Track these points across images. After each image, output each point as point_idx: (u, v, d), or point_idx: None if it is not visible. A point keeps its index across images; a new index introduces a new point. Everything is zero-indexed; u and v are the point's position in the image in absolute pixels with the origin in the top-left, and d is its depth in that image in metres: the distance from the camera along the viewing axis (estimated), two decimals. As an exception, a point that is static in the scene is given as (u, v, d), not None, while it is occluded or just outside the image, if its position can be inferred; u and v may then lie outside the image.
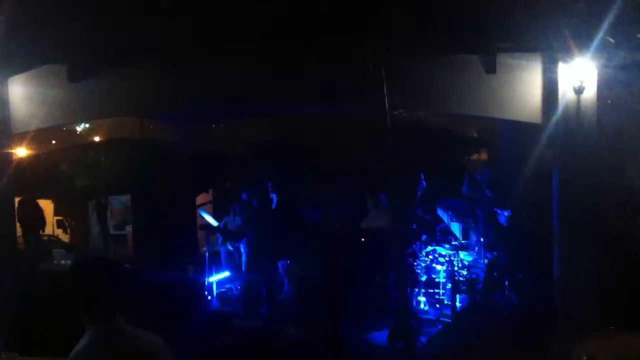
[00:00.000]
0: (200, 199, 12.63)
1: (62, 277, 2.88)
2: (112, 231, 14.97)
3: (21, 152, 10.07)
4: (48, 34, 6.49)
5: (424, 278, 9.46)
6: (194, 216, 11.60)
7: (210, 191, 13.33)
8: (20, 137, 8.37)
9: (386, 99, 6.25)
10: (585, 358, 4.52)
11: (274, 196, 9.71)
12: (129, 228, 13.59)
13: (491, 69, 7.24)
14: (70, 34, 6.61)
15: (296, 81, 7.30)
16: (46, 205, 15.22)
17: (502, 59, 7.22)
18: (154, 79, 7.64)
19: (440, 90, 7.43)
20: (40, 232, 14.30)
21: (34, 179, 12.59)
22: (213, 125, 12.81)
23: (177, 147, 11.16)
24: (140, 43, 6.89)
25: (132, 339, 2.79)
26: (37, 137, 9.14)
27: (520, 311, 7.67)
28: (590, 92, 7.00)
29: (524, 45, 7.07)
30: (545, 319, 7.13)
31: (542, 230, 7.62)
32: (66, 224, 19.62)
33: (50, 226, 18.77)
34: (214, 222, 11.18)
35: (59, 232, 19.91)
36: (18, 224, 11.85)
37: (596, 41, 6.52)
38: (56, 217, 19.46)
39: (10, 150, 8.10)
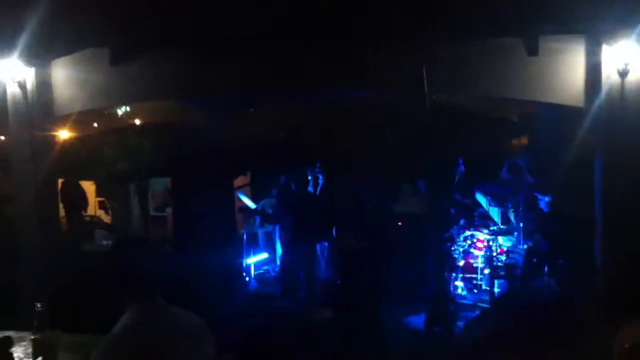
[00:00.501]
0: (238, 181, 12.71)
1: (103, 257, 2.93)
2: (152, 212, 15.15)
3: (64, 134, 10.23)
4: (90, 17, 6.57)
5: (461, 263, 9.41)
6: (232, 198, 11.69)
7: (249, 174, 13.41)
8: (62, 120, 8.51)
9: (425, 82, 6.19)
10: (627, 346, 4.45)
11: (310, 180, 9.73)
12: (169, 210, 13.77)
13: (533, 51, 7.11)
14: (112, 17, 6.68)
15: (334, 65, 7.26)
16: (88, 187, 15.47)
17: (545, 42, 7.08)
18: (192, 62, 7.68)
19: (481, 73, 7.31)
20: (83, 212, 14.51)
21: (76, 160, 12.76)
22: (251, 109, 12.81)
23: (215, 131, 11.22)
24: (179, 26, 6.93)
25: (171, 318, 2.83)
26: (79, 119, 9.25)
27: (560, 298, 7.54)
28: (634, 76, 6.84)
29: (567, 28, 6.93)
30: (585, 306, 7.02)
31: (584, 217, 7.50)
32: (107, 205, 19.94)
33: (93, 207, 19.11)
34: (252, 205, 11.26)
35: (100, 213, 20.26)
36: (61, 205, 12.11)
37: (641, 23, 6.38)
38: (98, 199, 19.80)
39: (53, 133, 8.24)
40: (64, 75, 7.96)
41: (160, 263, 2.91)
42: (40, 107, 7.85)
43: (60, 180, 12.08)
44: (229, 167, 11.14)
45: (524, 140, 12.63)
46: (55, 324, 3.65)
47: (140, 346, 2.64)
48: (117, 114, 12.89)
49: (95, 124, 15.82)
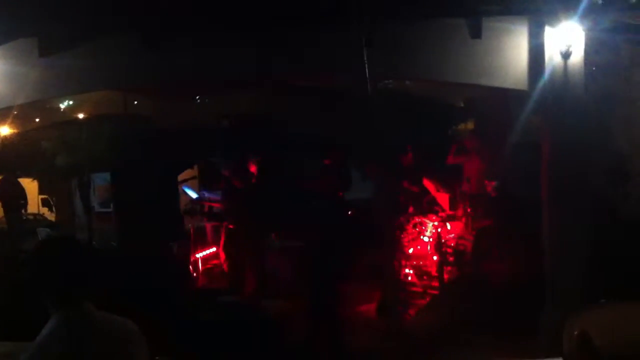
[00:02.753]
0: (184, 174, 12.48)
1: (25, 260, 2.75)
2: (97, 209, 14.80)
3: (3, 130, 9.89)
4: (16, 4, 6.27)
5: (411, 250, 9.38)
6: (177, 192, 11.46)
7: (196, 167, 13.18)
8: (-4, 115, 8.16)
9: (366, 66, 6.07)
10: (576, 332, 4.43)
11: (254, 170, 9.54)
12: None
13: (477, 33, 7.05)
14: (40, 4, 6.39)
15: (273, 49, 7.07)
16: (29, 184, 15.03)
17: (488, 23, 7.02)
18: (129, 50, 7.39)
19: (423, 56, 7.22)
20: (23, 211, 14.09)
21: (14, 157, 12.36)
22: (196, 98, 12.59)
23: (158, 121, 10.98)
24: (110, 11, 6.65)
25: (100, 324, 2.66)
26: (20, 114, 8.93)
27: (509, 283, 7.59)
28: (577, 57, 6.86)
29: (511, 9, 6.89)
30: (534, 291, 7.05)
31: (531, 200, 7.53)
32: (51, 202, 19.47)
33: (36, 205, 18.63)
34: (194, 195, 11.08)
35: (44, 210, 19.78)
36: (-1, 203, 11.72)
37: (583, 3, 6.38)
38: (41, 196, 19.31)
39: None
40: (-7, 68, 7.59)
41: (88, 264, 2.72)
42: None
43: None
44: (173, 159, 10.88)
45: (470, 124, 12.69)
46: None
47: (63, 354, 2.47)
48: (59, 108, 12.55)
49: (37, 119, 15.37)
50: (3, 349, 3.55)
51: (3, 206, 12.23)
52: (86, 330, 2.57)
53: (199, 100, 13.12)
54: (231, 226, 9.66)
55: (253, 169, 9.53)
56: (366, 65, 6.10)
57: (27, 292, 2.68)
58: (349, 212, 9.20)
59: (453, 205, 9.84)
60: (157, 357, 2.81)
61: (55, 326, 2.54)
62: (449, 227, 9.48)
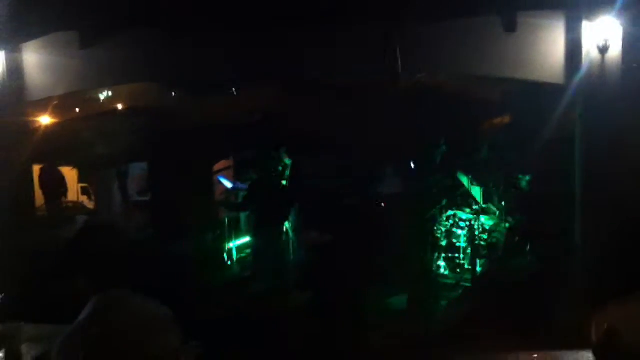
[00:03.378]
0: (219, 165, 12.61)
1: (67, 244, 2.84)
2: (135, 198, 15.03)
3: (41, 119, 10.06)
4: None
5: (444, 243, 9.38)
6: (212, 182, 11.60)
7: (232, 158, 13.30)
8: (36, 105, 8.34)
9: (399, 61, 6.08)
10: (605, 326, 4.40)
11: (289, 162, 9.61)
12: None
13: (511, 27, 7.00)
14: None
15: (308, 48, 7.13)
16: (69, 173, 15.31)
17: (523, 17, 6.97)
18: (166, 44, 7.51)
19: (458, 51, 7.18)
20: (63, 198, 14.36)
21: (55, 146, 12.60)
22: (232, 91, 12.67)
23: (194, 113, 11.09)
24: (149, 6, 6.77)
25: (135, 308, 2.75)
26: (61, 105, 9.10)
27: (541, 277, 7.56)
28: (614, 52, 6.77)
29: (546, 3, 6.83)
30: (566, 285, 7.02)
31: (565, 195, 7.47)
32: (90, 191, 19.79)
33: (75, 193, 18.96)
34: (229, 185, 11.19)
35: (83, 198, 20.11)
36: (40, 191, 11.97)
37: (621, -3, 6.30)
38: (80, 184, 19.64)
39: (25, 118, 8.08)
40: (34, 60, 7.78)
41: (125, 249, 2.81)
42: (11, 91, 7.67)
43: (38, 167, 11.95)
44: (208, 150, 11.02)
45: (507, 119, 12.57)
46: (23, 314, 3.57)
47: (101, 337, 2.55)
48: (99, 99, 12.73)
49: (77, 109, 15.64)
50: (40, 331, 3.66)
51: (44, 194, 12.47)
52: (122, 314, 2.65)
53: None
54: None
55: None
56: (399, 61, 6.10)
57: (67, 276, 2.76)
58: (382, 204, 9.23)
59: (487, 198, 9.81)
60: (190, 342, 2.88)
61: (92, 310, 2.62)
62: (482, 220, 9.45)
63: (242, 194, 10.90)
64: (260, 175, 9.60)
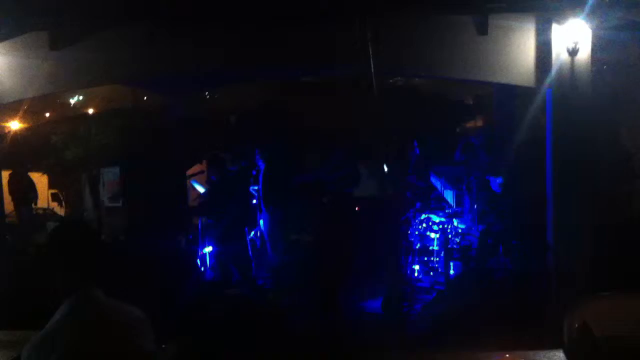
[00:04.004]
0: (193, 169, 12.51)
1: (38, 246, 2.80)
2: (107, 204, 14.86)
3: (10, 124, 9.96)
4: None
5: (417, 246, 9.41)
6: (185, 187, 11.50)
7: (205, 162, 13.22)
8: (7, 109, 8.22)
9: (372, 62, 6.09)
10: (578, 324, 4.46)
11: (261, 165, 9.59)
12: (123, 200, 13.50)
13: (483, 30, 7.06)
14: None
15: (282, 44, 7.12)
16: (39, 179, 15.12)
17: (495, 20, 7.04)
18: (139, 44, 7.44)
19: (430, 53, 7.24)
20: (33, 205, 14.17)
21: (25, 151, 12.45)
22: (206, 93, 12.63)
23: (168, 117, 11.02)
24: (122, 6, 6.71)
25: (108, 311, 2.70)
26: (30, 109, 8.99)
27: (515, 277, 7.62)
28: (584, 54, 6.87)
29: (517, 6, 6.90)
30: (539, 285, 7.08)
31: (536, 196, 7.54)
32: (61, 197, 19.54)
33: (46, 200, 18.70)
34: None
35: (54, 205, 19.85)
36: (9, 197, 11.79)
37: (590, 1, 6.38)
38: (51, 191, 19.38)
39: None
40: (4, 62, 7.64)
41: (96, 251, 2.76)
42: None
43: (7, 172, 11.78)
44: (181, 154, 10.93)
45: (478, 121, 12.70)
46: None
47: (73, 341, 2.51)
48: (69, 103, 12.62)
49: (47, 114, 15.45)
50: (12, 337, 3.60)
51: (13, 200, 12.28)
52: (94, 318, 2.61)
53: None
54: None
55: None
56: (372, 61, 6.12)
57: (40, 279, 2.72)
58: (356, 208, 9.23)
59: (459, 201, 9.87)
60: (164, 345, 2.85)
61: (64, 313, 2.58)
62: (455, 223, 9.51)
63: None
64: (223, 179, 9.54)
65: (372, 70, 6.25)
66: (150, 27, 7.25)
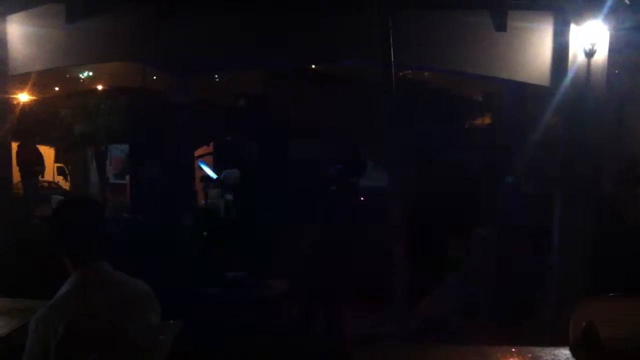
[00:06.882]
0: (200, 150, 12.54)
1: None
2: (112, 180, 14.90)
3: (21, 95, 9.94)
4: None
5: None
6: (192, 167, 11.52)
7: (212, 143, 13.23)
8: (19, 80, 8.20)
9: (392, 55, 6.07)
10: (583, 324, 4.47)
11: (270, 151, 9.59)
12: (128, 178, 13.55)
13: (501, 27, 7.02)
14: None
15: (301, 34, 7.10)
16: (46, 152, 15.13)
17: (513, 18, 6.99)
18: (153, 22, 7.40)
19: (448, 48, 7.19)
20: (40, 177, 14.19)
21: (35, 124, 12.44)
22: (215, 76, 12.62)
23: (177, 97, 11.00)
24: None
25: (115, 284, 2.70)
26: (41, 82, 8.97)
27: (521, 276, 7.61)
28: (601, 56, 6.82)
29: (536, 4, 6.86)
30: (546, 284, 7.07)
31: (545, 196, 7.52)
32: (66, 171, 19.60)
33: (51, 173, 18.77)
34: (212, 175, 11.10)
35: (59, 179, 19.93)
36: (17, 168, 11.81)
37: (609, 2, 6.34)
38: (57, 164, 19.45)
39: (8, 93, 7.93)
40: (19, 32, 7.61)
41: (105, 225, 2.77)
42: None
43: (16, 144, 11.79)
44: (191, 135, 10.94)
45: (487, 119, 12.67)
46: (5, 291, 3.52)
47: (81, 313, 2.51)
48: (79, 78, 12.60)
49: (57, 88, 15.45)
50: (20, 304, 3.62)
51: (20, 171, 12.29)
52: (102, 289, 2.61)
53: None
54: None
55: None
56: (392, 54, 6.09)
57: (48, 250, 2.72)
58: (362, 198, 9.21)
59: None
60: (169, 321, 2.85)
61: (72, 285, 2.58)
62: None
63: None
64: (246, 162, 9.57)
65: (391, 63, 6.21)
66: (166, 3, 7.23)
